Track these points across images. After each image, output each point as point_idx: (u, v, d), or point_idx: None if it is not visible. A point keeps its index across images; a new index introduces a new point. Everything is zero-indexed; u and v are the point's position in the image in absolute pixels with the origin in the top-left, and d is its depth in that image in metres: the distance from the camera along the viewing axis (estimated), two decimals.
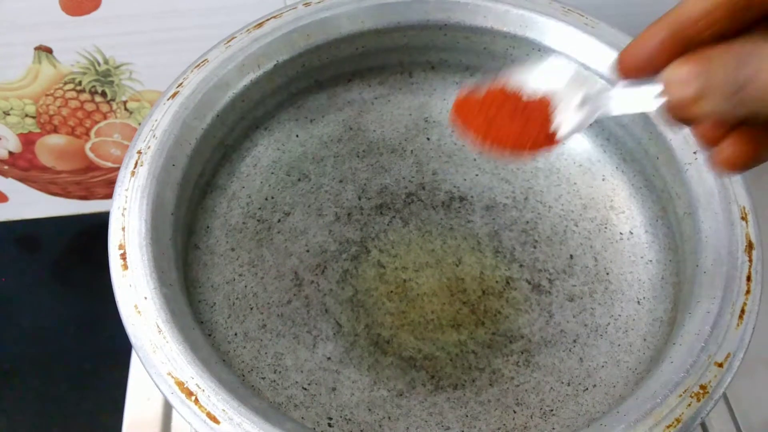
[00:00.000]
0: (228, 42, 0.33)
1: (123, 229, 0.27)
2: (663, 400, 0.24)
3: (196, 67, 0.32)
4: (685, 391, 0.25)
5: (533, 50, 0.35)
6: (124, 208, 0.28)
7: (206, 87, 0.32)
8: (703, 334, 0.26)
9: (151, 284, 0.26)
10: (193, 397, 0.24)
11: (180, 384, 0.24)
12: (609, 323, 0.33)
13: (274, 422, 0.24)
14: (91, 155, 0.51)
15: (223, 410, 0.24)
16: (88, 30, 0.43)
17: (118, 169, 0.53)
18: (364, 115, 0.38)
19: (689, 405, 0.24)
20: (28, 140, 0.50)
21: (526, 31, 0.35)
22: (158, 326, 0.25)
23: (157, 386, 0.25)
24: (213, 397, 0.24)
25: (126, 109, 0.48)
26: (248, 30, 0.33)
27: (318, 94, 0.37)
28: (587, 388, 0.31)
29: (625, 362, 0.31)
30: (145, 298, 0.26)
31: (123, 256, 0.27)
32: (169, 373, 0.25)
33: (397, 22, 0.35)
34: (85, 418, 0.49)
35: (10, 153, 0.51)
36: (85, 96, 0.47)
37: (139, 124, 0.49)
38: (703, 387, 0.25)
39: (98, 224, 0.57)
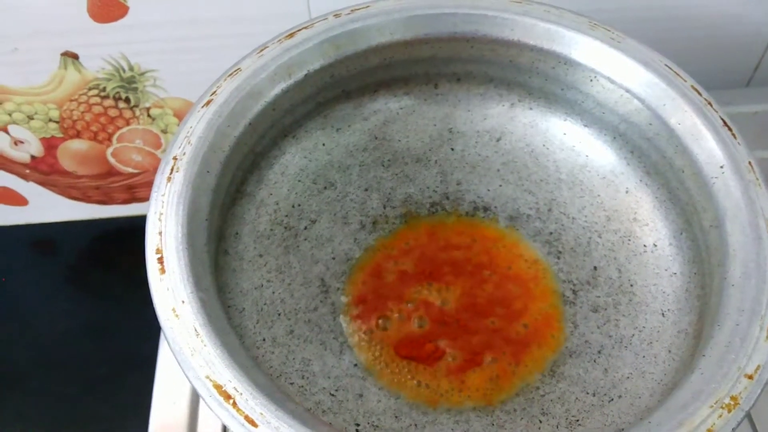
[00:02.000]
0: (260, 51, 0.33)
1: (160, 233, 0.28)
2: (695, 411, 0.25)
3: (229, 75, 0.33)
4: (716, 402, 0.25)
5: (559, 63, 0.35)
6: (161, 213, 0.28)
7: (239, 95, 0.32)
8: (733, 346, 0.26)
9: (188, 288, 0.27)
10: (231, 400, 0.24)
11: (218, 387, 0.25)
12: (633, 334, 0.33)
13: (311, 426, 0.24)
14: (112, 160, 0.52)
15: (261, 414, 0.24)
16: (114, 37, 0.44)
17: (138, 174, 0.53)
18: (389, 124, 0.38)
19: (720, 416, 0.25)
20: (50, 144, 0.50)
21: (553, 45, 0.35)
22: (196, 330, 0.26)
23: (196, 389, 0.25)
24: (251, 400, 0.24)
25: (149, 115, 0.49)
26: (280, 40, 0.34)
27: (345, 104, 0.37)
28: (612, 399, 0.31)
29: (651, 373, 0.31)
30: (183, 302, 0.26)
31: (161, 260, 0.27)
32: (208, 377, 0.25)
33: (425, 34, 0.35)
34: (102, 423, 0.49)
35: (33, 157, 0.51)
36: (109, 102, 0.48)
37: (162, 130, 0.50)
38: (734, 398, 0.25)
39: (116, 229, 0.57)
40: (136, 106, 0.48)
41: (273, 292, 0.34)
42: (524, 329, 0.34)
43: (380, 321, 0.34)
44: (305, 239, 0.36)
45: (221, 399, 0.24)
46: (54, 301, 0.55)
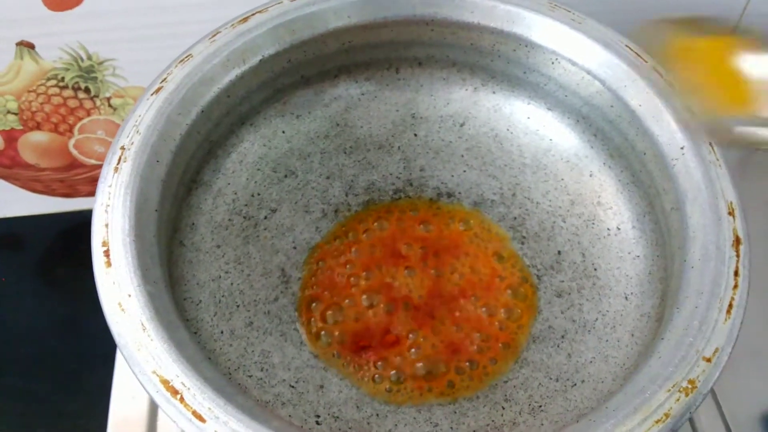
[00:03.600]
0: (213, 37, 0.33)
1: (106, 225, 0.27)
2: (652, 396, 0.24)
3: (180, 62, 0.32)
4: (674, 386, 0.25)
5: (520, 46, 0.35)
6: (108, 205, 0.28)
7: (190, 82, 0.31)
8: (692, 329, 0.26)
9: (135, 281, 0.26)
10: (179, 396, 0.24)
11: (165, 382, 0.24)
12: (597, 319, 0.33)
13: (260, 420, 0.24)
14: (74, 152, 0.51)
15: (209, 408, 0.24)
16: (71, 25, 0.43)
17: (101, 166, 0.52)
18: (350, 111, 0.38)
19: (678, 400, 0.24)
20: (10, 137, 0.49)
21: (513, 27, 0.34)
22: (142, 324, 0.25)
23: (142, 385, 0.24)
24: (199, 395, 0.24)
25: (110, 105, 0.48)
26: (233, 25, 0.33)
27: (304, 90, 0.37)
28: (575, 384, 0.31)
29: (613, 358, 0.31)
30: (129, 295, 0.26)
31: (106, 253, 0.26)
32: (154, 372, 0.24)
33: (383, 17, 0.35)
34: (70, 418, 0.48)
35: None
36: (69, 92, 0.47)
37: (123, 120, 0.49)
38: (691, 382, 0.25)
39: (82, 222, 0.56)
40: (97, 96, 0.47)
41: (231, 284, 0.33)
42: (486, 314, 0.34)
43: (330, 312, 0.33)
44: (265, 229, 0.35)
45: (168, 394, 0.24)
46: (20, 297, 0.54)
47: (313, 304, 0.34)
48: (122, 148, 0.29)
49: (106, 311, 0.25)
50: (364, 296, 0.34)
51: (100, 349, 0.49)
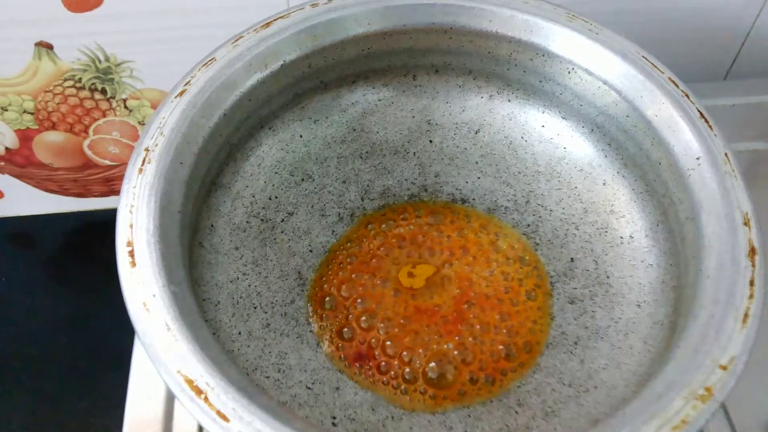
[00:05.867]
0: (235, 41, 0.33)
1: (131, 226, 0.27)
2: (669, 402, 0.25)
3: (203, 65, 0.32)
4: (690, 393, 0.25)
5: (537, 55, 0.35)
6: (132, 206, 0.28)
7: (214, 86, 0.32)
8: (708, 338, 0.26)
9: (160, 282, 0.26)
10: (203, 395, 0.24)
11: (189, 382, 0.24)
12: (609, 326, 0.33)
13: (283, 420, 0.24)
14: (89, 153, 0.51)
15: (233, 408, 0.24)
16: (89, 27, 0.43)
17: (115, 167, 0.53)
18: (367, 116, 0.38)
19: (694, 407, 0.25)
20: (25, 136, 0.49)
21: (531, 36, 0.35)
22: (167, 324, 0.25)
23: (167, 384, 0.24)
24: (223, 395, 0.24)
25: (126, 107, 0.48)
26: (256, 30, 0.34)
27: (322, 95, 0.37)
28: (588, 390, 0.31)
29: (626, 364, 0.31)
30: (154, 295, 0.26)
31: (131, 254, 0.27)
32: (179, 371, 0.25)
33: (402, 24, 0.35)
34: (81, 417, 0.49)
35: (7, 149, 0.50)
36: (85, 93, 0.47)
37: (139, 122, 0.49)
38: (708, 389, 0.25)
39: (94, 222, 0.57)
40: (113, 97, 0.47)
41: (249, 285, 0.33)
42: (503, 323, 0.34)
43: (345, 330, 0.34)
44: (282, 232, 0.36)
45: (193, 394, 0.24)
46: (33, 295, 0.55)
47: (325, 308, 0.34)
48: (146, 149, 0.29)
49: (130, 311, 0.26)
50: (374, 306, 0.35)
51: (112, 348, 0.49)
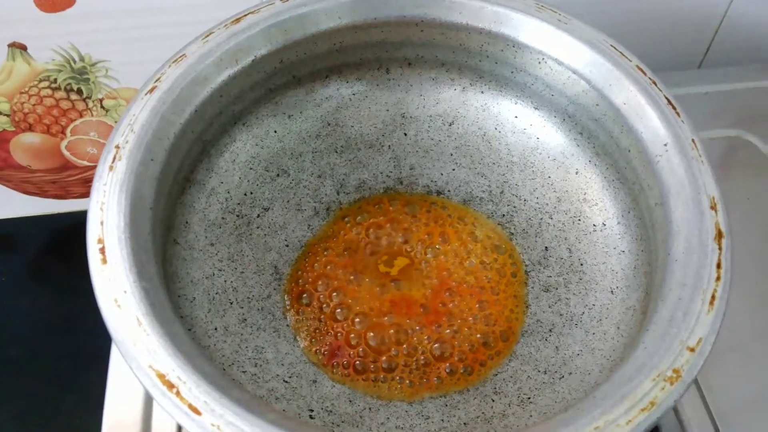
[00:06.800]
0: (206, 37, 0.33)
1: (101, 223, 0.27)
2: (637, 385, 0.25)
3: (173, 62, 0.32)
4: (659, 375, 0.25)
5: (508, 46, 0.35)
6: (103, 203, 0.28)
7: (184, 82, 0.32)
8: (676, 320, 0.27)
9: (131, 278, 0.26)
10: (175, 390, 0.24)
11: (161, 376, 0.24)
12: (584, 312, 0.33)
13: (256, 413, 0.24)
14: (67, 154, 0.51)
15: (205, 402, 0.24)
16: (63, 27, 0.43)
17: (94, 167, 0.53)
18: (341, 110, 0.38)
19: (663, 388, 0.25)
20: (2, 139, 0.49)
21: (501, 27, 0.35)
22: (138, 319, 0.25)
23: (138, 379, 0.25)
24: (194, 389, 0.24)
25: (102, 107, 0.48)
26: (226, 25, 0.34)
27: (296, 90, 0.37)
28: (563, 376, 0.32)
29: (600, 350, 0.32)
30: (125, 291, 0.26)
31: (102, 251, 0.27)
32: (150, 366, 0.25)
33: (373, 17, 0.35)
34: (64, 418, 0.48)
35: None
36: (61, 94, 0.47)
37: (116, 122, 0.49)
38: (675, 371, 0.25)
39: (74, 223, 0.56)
40: (89, 97, 0.47)
41: (225, 281, 0.34)
42: (480, 312, 0.35)
43: (321, 323, 0.34)
44: (258, 227, 0.36)
45: (164, 388, 0.24)
46: (13, 297, 0.54)
47: (302, 303, 0.35)
48: (117, 146, 0.29)
49: (102, 307, 0.26)
50: (351, 299, 0.35)
51: (94, 349, 0.49)
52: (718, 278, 0.27)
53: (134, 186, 0.28)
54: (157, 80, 0.31)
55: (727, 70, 0.50)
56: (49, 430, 0.48)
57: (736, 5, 0.49)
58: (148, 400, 0.36)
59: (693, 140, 0.31)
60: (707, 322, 0.27)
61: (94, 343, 0.50)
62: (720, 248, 0.28)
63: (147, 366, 0.25)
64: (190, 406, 0.24)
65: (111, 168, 0.29)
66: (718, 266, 0.28)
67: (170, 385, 0.24)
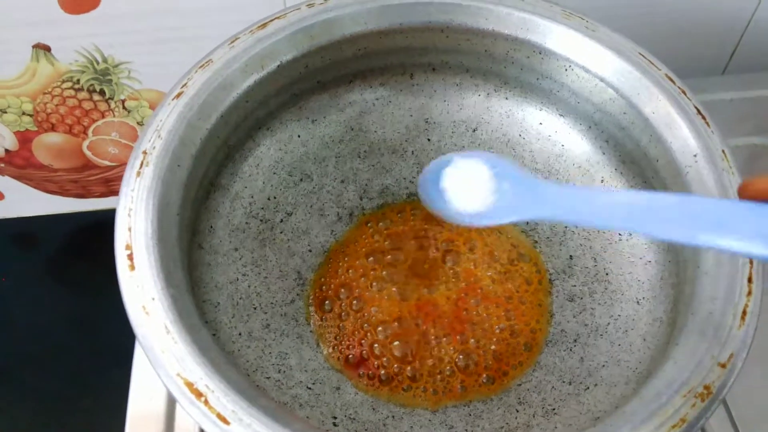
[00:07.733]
0: (232, 42, 0.33)
1: (129, 229, 0.28)
2: (668, 401, 0.25)
3: (200, 67, 0.32)
4: (690, 391, 0.25)
5: (534, 53, 0.35)
6: (130, 209, 0.28)
7: (210, 87, 0.32)
8: (707, 335, 0.26)
9: (159, 285, 0.26)
10: (203, 398, 0.24)
11: (189, 385, 0.24)
12: (609, 323, 0.33)
13: (283, 422, 0.24)
14: (88, 153, 0.51)
15: (233, 411, 0.24)
16: (87, 28, 0.43)
17: (115, 167, 0.53)
18: (365, 116, 0.38)
19: (693, 405, 0.25)
20: (25, 138, 0.50)
21: (528, 34, 0.35)
22: (166, 327, 0.25)
23: (167, 387, 0.25)
24: (222, 397, 0.24)
25: (124, 107, 0.48)
26: (252, 31, 0.33)
27: (320, 95, 0.37)
28: (588, 387, 0.31)
29: (626, 362, 0.31)
30: (153, 299, 0.26)
31: (130, 257, 0.27)
32: (179, 374, 0.25)
33: (399, 23, 0.35)
34: (84, 416, 0.49)
35: (7, 151, 0.50)
36: (83, 94, 0.47)
37: (138, 123, 0.49)
38: (707, 387, 0.25)
39: (95, 222, 0.57)
40: (111, 98, 0.47)
41: (249, 286, 0.34)
42: (506, 321, 0.34)
43: (344, 330, 0.34)
44: (281, 232, 0.36)
45: (193, 397, 0.24)
46: (34, 295, 0.55)
47: (325, 309, 0.34)
48: (144, 152, 0.29)
49: (130, 314, 0.26)
50: (375, 306, 0.35)
51: (114, 347, 0.49)
52: (749, 293, 0.27)
53: (162, 192, 0.28)
54: (183, 86, 0.31)
55: (752, 76, 0.50)
56: (69, 428, 0.49)
57: (761, 11, 0.48)
58: (171, 399, 0.36)
59: (723, 151, 0.31)
60: (738, 337, 0.26)
61: (114, 340, 0.50)
62: (751, 262, 0.28)
63: (175, 374, 0.25)
64: (219, 416, 0.24)
65: (138, 174, 0.29)
66: (749, 280, 0.27)
67: (198, 394, 0.24)
